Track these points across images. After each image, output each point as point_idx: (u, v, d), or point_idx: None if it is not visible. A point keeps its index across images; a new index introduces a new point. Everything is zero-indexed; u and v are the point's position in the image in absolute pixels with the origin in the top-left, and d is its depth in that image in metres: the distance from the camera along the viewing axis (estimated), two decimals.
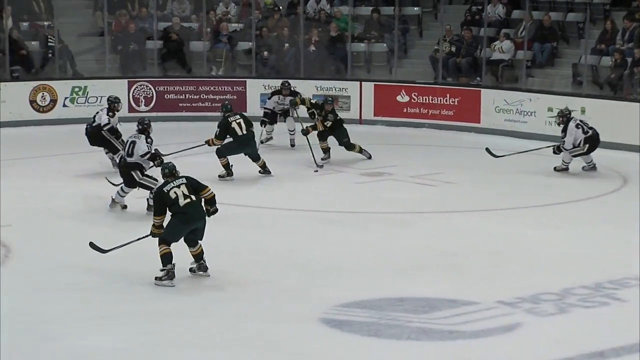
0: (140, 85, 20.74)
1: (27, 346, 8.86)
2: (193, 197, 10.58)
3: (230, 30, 22.01)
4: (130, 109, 20.38)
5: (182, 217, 10.51)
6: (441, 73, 20.66)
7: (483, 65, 20.32)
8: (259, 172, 15.55)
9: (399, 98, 20.41)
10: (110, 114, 15.34)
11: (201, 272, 10.78)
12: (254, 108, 19.87)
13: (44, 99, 20.05)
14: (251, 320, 9.48)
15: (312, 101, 17.14)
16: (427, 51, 21.45)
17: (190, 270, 10.80)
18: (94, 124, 15.43)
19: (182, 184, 10.62)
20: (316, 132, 16.39)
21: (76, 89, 20.27)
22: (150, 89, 20.73)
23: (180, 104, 20.84)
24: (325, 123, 16.36)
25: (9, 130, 18.94)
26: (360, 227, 12.84)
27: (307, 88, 20.48)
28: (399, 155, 17.44)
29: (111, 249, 10.86)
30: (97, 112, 15.64)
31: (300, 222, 13.08)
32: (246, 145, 15.33)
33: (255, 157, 15.54)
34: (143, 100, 20.69)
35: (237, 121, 15.23)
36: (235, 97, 20.70)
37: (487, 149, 16.24)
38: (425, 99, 20.28)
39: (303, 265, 11.23)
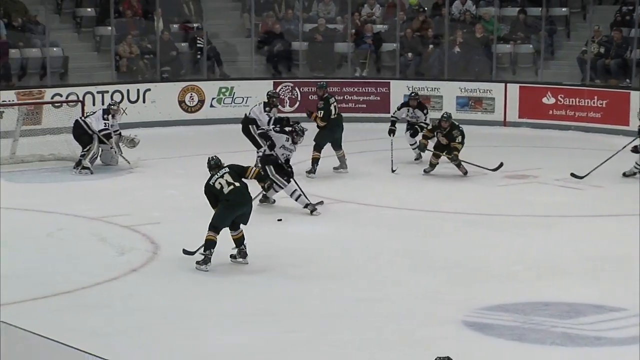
0: (285, 86, 20.94)
1: (174, 342, 9.03)
2: (237, 184, 11.01)
3: (375, 32, 22.02)
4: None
5: (227, 203, 10.98)
6: (589, 75, 20.26)
7: (633, 67, 19.85)
8: (334, 168, 15.67)
9: (544, 100, 20.10)
10: (267, 109, 15.52)
11: (240, 259, 11.13)
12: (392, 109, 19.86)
13: (192, 99, 20.42)
14: (392, 322, 9.46)
15: (429, 127, 16.11)
16: (574, 52, 21.07)
17: (231, 256, 11.10)
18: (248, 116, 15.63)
19: (225, 173, 11.08)
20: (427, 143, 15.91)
21: (223, 90, 20.58)
22: (294, 89, 20.91)
23: None
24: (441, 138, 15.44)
25: (158, 130, 19.37)
26: (504, 229, 12.69)
27: (450, 90, 20.38)
28: (544, 157, 17.18)
29: (197, 250, 11.10)
30: (254, 107, 15.77)
31: (442, 224, 13.00)
32: (337, 129, 15.50)
33: (338, 146, 15.61)
34: (288, 101, 20.87)
35: (334, 104, 15.64)
36: (378, 98, 20.72)
37: (572, 174, 15.48)
38: (572, 101, 19.92)
39: (444, 266, 11.16)
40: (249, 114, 15.55)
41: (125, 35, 20.70)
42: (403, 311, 9.77)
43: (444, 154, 15.44)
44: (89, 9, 21.27)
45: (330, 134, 15.53)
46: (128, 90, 19.75)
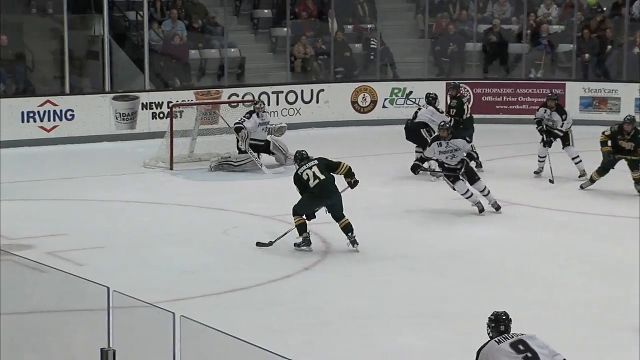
0: None
1: (346, 340, 9.15)
2: (322, 177, 11.73)
3: (551, 32, 21.72)
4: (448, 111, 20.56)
5: (311, 195, 11.76)
6: None
7: None
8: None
9: None
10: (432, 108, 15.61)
11: (351, 247, 11.66)
12: (572, 112, 19.50)
13: (365, 99, 20.56)
14: (561, 327, 9.35)
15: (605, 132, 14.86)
16: None
17: (295, 245, 11.68)
18: (414, 120, 15.70)
19: (314, 165, 11.79)
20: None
21: (395, 91, 20.65)
22: (468, 90, 20.81)
23: (498, 106, 20.77)
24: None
25: (331, 130, 19.58)
26: None
27: (630, 92, 19.94)
28: None
29: (276, 239, 11.58)
30: (419, 109, 15.85)
31: (616, 229, 12.75)
32: (469, 130, 15.56)
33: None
34: None
35: (466, 104, 16.19)
36: None
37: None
38: None
39: (619, 272, 10.94)
40: (416, 118, 15.65)
41: (300, 36, 21.01)
42: (573, 316, 9.63)
43: (628, 159, 14.41)
44: (266, 11, 21.67)
45: (464, 133, 15.15)
46: (302, 91, 20.04)
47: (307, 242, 11.72)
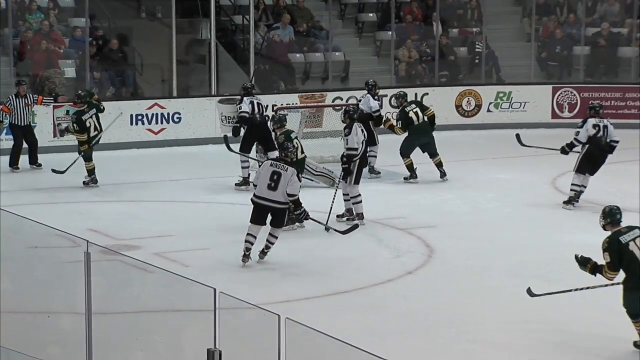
0: (565, 91, 20.65)
1: (448, 345, 9.15)
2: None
3: None
4: (554, 115, 20.37)
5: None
6: None
7: None
8: (441, 176, 15.38)
9: None
10: None
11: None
12: None
13: (469, 103, 20.48)
14: None
15: None
16: None
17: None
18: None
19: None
20: None
21: (501, 94, 20.52)
22: (574, 95, 20.58)
23: (605, 111, 20.46)
24: None
25: (435, 134, 19.45)
26: None
27: None
28: None
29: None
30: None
31: None
32: (422, 136, 15.31)
33: (431, 154, 15.40)
34: (567, 106, 20.57)
35: (414, 110, 15.45)
36: None
37: (516, 135, 14.79)
38: None
39: None
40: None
41: (405, 40, 21.02)
42: None
43: None
44: (371, 14, 21.73)
45: (415, 141, 15.36)
46: (406, 94, 20.01)
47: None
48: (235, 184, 15.04)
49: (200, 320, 7.11)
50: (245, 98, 15.30)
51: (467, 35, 21.83)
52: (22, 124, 16.07)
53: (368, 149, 15.87)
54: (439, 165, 15.54)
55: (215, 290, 6.36)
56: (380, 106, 16.39)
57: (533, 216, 13.57)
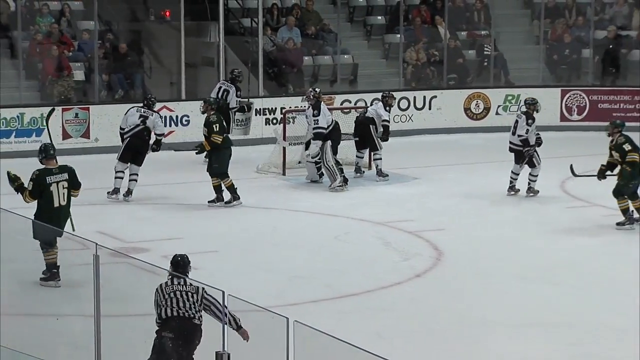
0: (574, 94, 20.64)
1: (454, 347, 9.17)
2: None
3: None
4: (562, 118, 20.35)
5: None
6: None
7: None
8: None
9: None
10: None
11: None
12: None
13: (478, 106, 20.48)
14: None
15: None
16: None
17: None
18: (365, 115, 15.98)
19: None
20: None
21: (509, 97, 20.52)
22: (583, 98, 20.57)
23: (614, 114, 20.42)
24: None
25: (443, 137, 19.53)
26: None
27: None
28: None
29: None
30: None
31: None
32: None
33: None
34: (575, 109, 20.56)
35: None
36: None
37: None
38: None
39: None
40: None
41: (414, 42, 21.03)
42: None
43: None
44: (379, 17, 21.74)
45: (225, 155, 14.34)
46: (414, 97, 20.06)
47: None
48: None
49: (209, 323, 7.15)
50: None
51: (475, 38, 21.83)
52: None
53: (373, 153, 15.99)
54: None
55: (223, 292, 6.40)
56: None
57: (541, 219, 13.58)
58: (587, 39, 21.44)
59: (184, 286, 7.68)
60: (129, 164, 14.45)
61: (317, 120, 15.03)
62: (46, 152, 10.57)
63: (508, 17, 22.12)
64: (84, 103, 18.18)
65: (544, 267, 11.48)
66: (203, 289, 7.56)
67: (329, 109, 15.99)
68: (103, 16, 19.04)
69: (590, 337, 9.35)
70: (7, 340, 8.22)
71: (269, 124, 18.61)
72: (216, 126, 13.97)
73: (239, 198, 14.17)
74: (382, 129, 15.85)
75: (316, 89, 15.57)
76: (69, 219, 10.59)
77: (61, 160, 15.46)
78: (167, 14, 19.81)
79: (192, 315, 7.49)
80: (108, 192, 14.39)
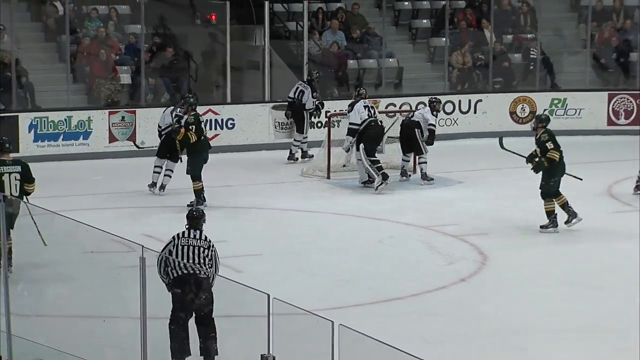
0: (621, 98, 20.48)
1: (500, 353, 9.13)
2: None
3: None
4: (609, 122, 20.20)
5: None
6: None
7: None
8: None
9: None
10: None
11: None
12: None
13: (524, 110, 20.37)
14: None
15: None
16: None
17: None
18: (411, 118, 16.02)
19: None
20: None
21: (555, 101, 20.40)
22: (631, 101, 20.41)
23: None
24: None
25: (488, 141, 19.25)
26: None
27: None
28: None
29: None
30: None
31: None
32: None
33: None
34: (623, 113, 20.40)
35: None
36: None
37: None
38: None
39: None
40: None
41: (459, 46, 20.97)
42: None
43: None
44: (425, 21, 21.70)
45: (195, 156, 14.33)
46: (460, 101, 20.00)
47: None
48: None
49: (253, 326, 7.16)
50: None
51: (521, 42, 21.72)
52: None
53: (418, 157, 15.96)
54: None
55: (268, 296, 6.41)
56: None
57: (587, 223, 13.48)
58: (634, 42, 21.27)
59: (198, 240, 8.68)
60: (165, 160, 14.87)
61: (349, 116, 15.59)
62: (2, 146, 11.32)
63: (554, 20, 22.00)
64: (130, 106, 18.31)
65: (590, 271, 11.40)
66: (214, 245, 8.69)
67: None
68: (150, 20, 19.14)
69: (638, 344, 9.26)
70: (53, 342, 8.30)
71: (314, 128, 18.62)
72: (192, 127, 14.24)
73: (203, 202, 14.13)
74: (427, 133, 15.82)
75: (360, 89, 16.22)
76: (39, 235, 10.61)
77: (106, 163, 15.63)
78: (213, 17, 19.89)
79: (198, 271, 8.40)
80: (148, 185, 14.88)
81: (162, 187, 14.91)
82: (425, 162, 15.87)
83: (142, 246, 7.46)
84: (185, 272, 8.47)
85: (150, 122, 17.76)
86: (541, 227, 13.07)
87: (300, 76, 19.32)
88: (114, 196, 14.87)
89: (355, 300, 10.47)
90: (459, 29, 21.26)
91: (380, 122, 15.82)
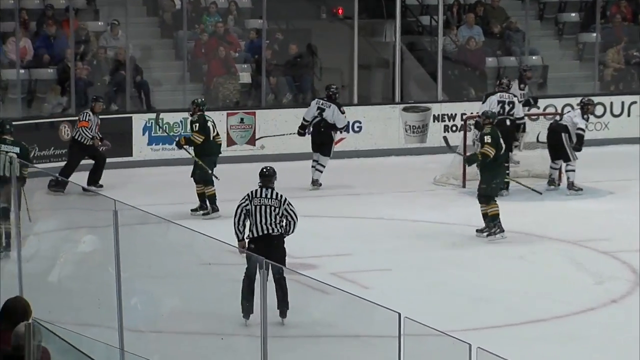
0: None
1: None
2: None
3: None
4: None
5: None
6: None
7: None
8: None
9: None
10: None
11: None
12: None
13: None
14: None
15: None
16: None
17: None
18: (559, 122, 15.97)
19: None
20: None
21: None
22: None
23: None
24: None
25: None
26: None
27: None
28: None
29: None
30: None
31: None
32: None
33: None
34: None
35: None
36: None
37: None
38: None
39: None
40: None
41: (612, 42, 20.67)
42: None
43: None
44: (573, 14, 21.43)
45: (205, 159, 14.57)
46: (611, 103, 19.71)
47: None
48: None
49: (382, 348, 7.19)
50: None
51: None
52: (88, 143, 15.59)
53: (565, 164, 15.79)
54: None
55: (399, 314, 6.43)
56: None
57: None
58: None
59: (270, 199, 10.32)
60: (318, 154, 15.98)
61: (481, 109, 15.60)
62: (2, 127, 12.59)
63: None
64: (249, 107, 18.51)
65: None
66: (286, 199, 10.34)
67: None
68: (272, 14, 19.31)
69: None
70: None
71: (448, 131, 18.59)
72: (195, 126, 14.54)
73: (217, 210, 14.29)
74: (576, 138, 15.63)
75: (503, 79, 16.65)
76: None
77: (224, 168, 15.83)
78: (340, 11, 20.02)
79: (272, 229, 10.21)
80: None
81: (314, 181, 15.77)
82: (573, 170, 15.69)
83: (264, 259, 7.56)
84: (260, 233, 10.18)
85: (271, 124, 17.98)
86: (478, 231, 13.29)
87: (434, 74, 19.31)
88: (233, 204, 15.02)
89: (494, 321, 10.43)
90: (612, 23, 20.95)
91: (512, 120, 15.70)
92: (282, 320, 9.55)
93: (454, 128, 18.64)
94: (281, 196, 10.39)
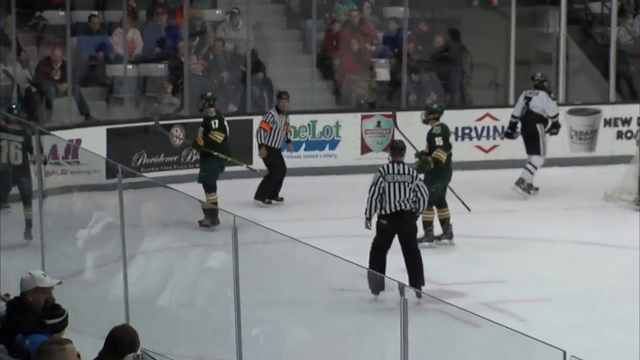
0: None
1: None
2: None
3: None
4: None
5: None
6: None
7: None
8: None
9: None
10: None
11: None
12: None
13: None
14: None
15: None
16: None
17: None
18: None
19: None
20: None
21: None
22: None
23: None
24: None
25: None
26: None
27: None
28: None
29: None
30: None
31: None
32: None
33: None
34: None
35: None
36: None
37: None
38: None
39: None
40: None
41: None
42: None
43: None
44: None
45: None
46: None
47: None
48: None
49: None
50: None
51: None
52: (277, 147, 15.94)
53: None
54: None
55: (564, 353, 6.39)
56: None
57: None
58: None
59: (403, 175, 11.65)
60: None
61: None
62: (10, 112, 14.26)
63: None
64: (387, 109, 18.47)
65: None
66: (417, 175, 11.74)
67: None
68: (415, 1, 19.30)
69: None
70: None
71: (621, 138, 18.40)
72: (215, 122, 14.81)
73: (216, 223, 14.23)
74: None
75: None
76: None
77: (357, 179, 15.81)
78: None
79: (405, 205, 11.62)
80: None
81: (521, 181, 16.32)
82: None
83: (405, 285, 7.57)
84: (393, 210, 11.58)
85: (412, 128, 17.87)
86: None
87: (605, 71, 19.13)
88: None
89: None
90: None
91: None
92: (418, 296, 9.70)
93: (629, 134, 18.42)
94: (413, 170, 11.82)
